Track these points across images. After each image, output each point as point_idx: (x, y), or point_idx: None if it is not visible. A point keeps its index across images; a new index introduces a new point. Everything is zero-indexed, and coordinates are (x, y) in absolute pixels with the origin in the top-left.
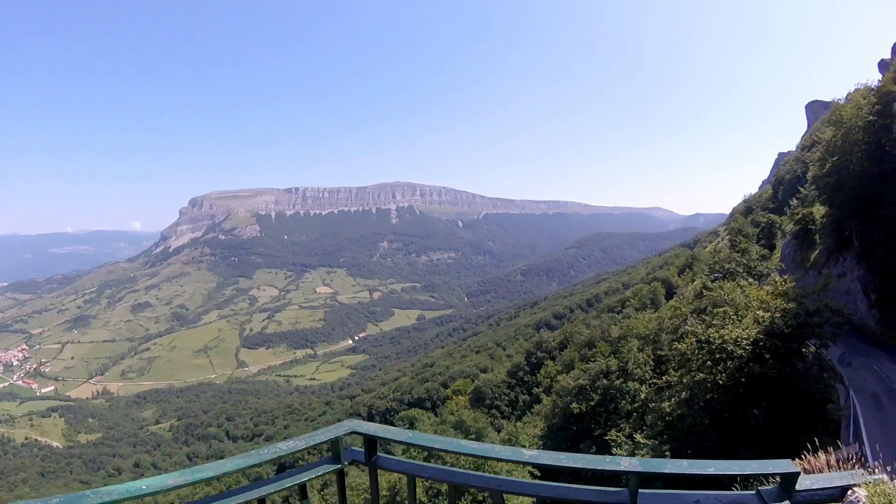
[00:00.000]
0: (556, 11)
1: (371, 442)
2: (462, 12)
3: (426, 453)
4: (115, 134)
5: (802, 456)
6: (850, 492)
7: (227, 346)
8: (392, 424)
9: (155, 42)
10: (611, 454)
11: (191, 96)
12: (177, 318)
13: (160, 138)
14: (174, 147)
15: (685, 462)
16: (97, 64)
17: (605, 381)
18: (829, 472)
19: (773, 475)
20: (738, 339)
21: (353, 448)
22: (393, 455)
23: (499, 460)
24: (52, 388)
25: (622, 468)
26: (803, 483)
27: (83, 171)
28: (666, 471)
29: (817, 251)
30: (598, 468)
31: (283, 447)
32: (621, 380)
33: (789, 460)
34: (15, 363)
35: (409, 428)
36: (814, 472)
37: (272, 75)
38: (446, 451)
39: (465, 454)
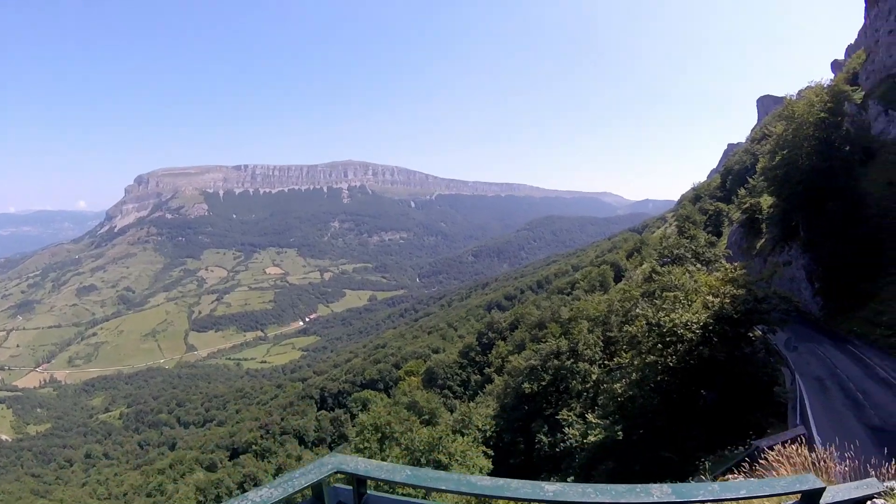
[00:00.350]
0: None
1: (360, 479)
2: None
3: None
4: (55, 106)
5: (751, 437)
6: (869, 503)
7: (176, 329)
8: (345, 406)
9: (93, 4)
10: (562, 433)
11: (134, 65)
12: (123, 302)
13: (104, 110)
14: (118, 120)
15: (717, 485)
16: (27, 27)
17: (556, 362)
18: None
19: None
20: (689, 323)
21: (337, 486)
22: (386, 494)
23: (517, 500)
24: None
25: (654, 499)
26: (825, 497)
27: (23, 146)
28: (700, 497)
29: (763, 240)
30: (630, 501)
31: (254, 498)
32: (572, 360)
33: (813, 476)
34: None
35: (362, 409)
36: (773, 467)
37: (220, 46)
38: (454, 493)
39: (477, 495)
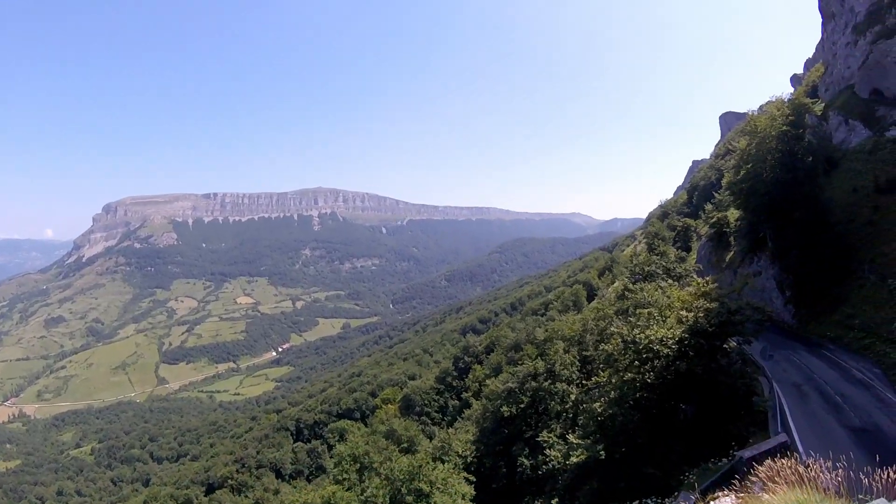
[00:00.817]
0: (470, 16)
1: None
2: (376, 15)
3: None
4: (21, 132)
5: (734, 448)
6: None
7: (146, 361)
8: (321, 437)
9: (58, 31)
10: (544, 455)
11: (102, 92)
12: (92, 333)
13: (71, 137)
14: (86, 148)
15: None
16: None
17: (533, 384)
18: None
19: None
20: (664, 339)
21: None
22: None
23: None
24: None
25: None
26: None
27: None
28: None
29: (732, 252)
30: None
31: None
32: (549, 381)
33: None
34: None
35: (339, 440)
36: (765, 484)
37: (187, 73)
38: None
39: None
